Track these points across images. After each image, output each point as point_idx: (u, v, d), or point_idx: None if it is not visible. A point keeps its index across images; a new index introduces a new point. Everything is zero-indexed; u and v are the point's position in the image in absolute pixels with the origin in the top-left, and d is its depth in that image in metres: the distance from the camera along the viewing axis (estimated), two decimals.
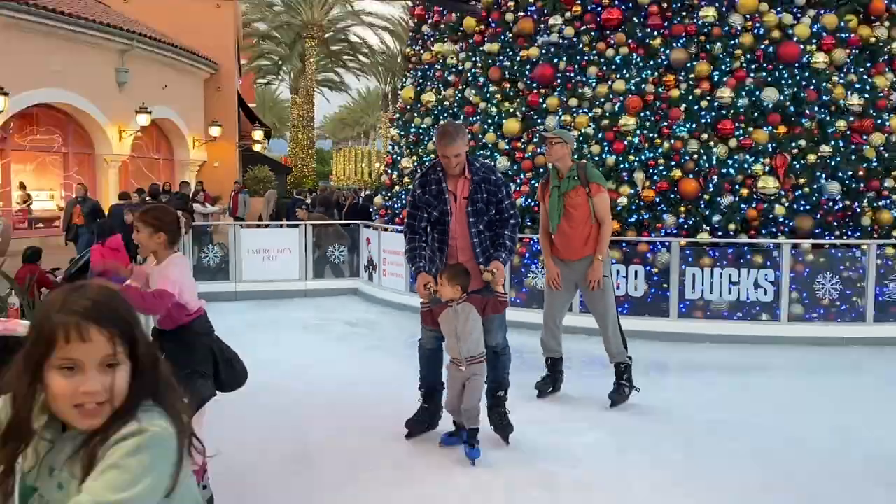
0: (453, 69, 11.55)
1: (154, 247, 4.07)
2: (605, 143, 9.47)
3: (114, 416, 1.40)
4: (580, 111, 9.84)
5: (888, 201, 8.91)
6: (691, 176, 9.03)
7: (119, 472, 1.35)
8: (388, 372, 6.90)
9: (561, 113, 9.95)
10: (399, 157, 12.20)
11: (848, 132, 9.07)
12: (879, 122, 9.17)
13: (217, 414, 4.02)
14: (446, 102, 11.40)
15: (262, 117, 39.72)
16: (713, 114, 9.22)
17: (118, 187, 19.28)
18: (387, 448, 4.91)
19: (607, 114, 9.60)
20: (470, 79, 11.14)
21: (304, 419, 5.51)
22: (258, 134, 29.20)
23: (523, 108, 10.33)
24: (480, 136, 10.58)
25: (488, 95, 10.77)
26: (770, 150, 9.01)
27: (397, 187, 11.93)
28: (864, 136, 9.09)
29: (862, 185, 8.92)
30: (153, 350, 1.51)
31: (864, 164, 8.94)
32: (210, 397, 3.89)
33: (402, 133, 12.34)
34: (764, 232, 8.82)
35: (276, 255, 11.62)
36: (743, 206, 8.85)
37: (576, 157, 9.38)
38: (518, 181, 9.96)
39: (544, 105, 10.12)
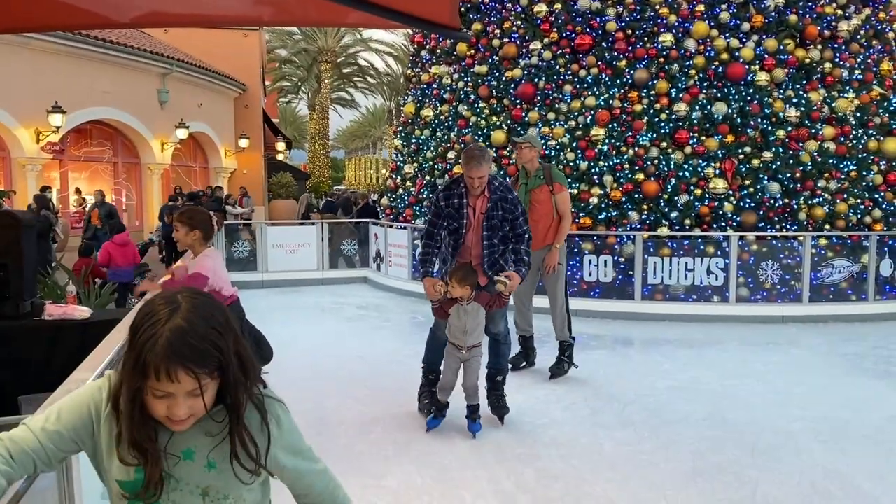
0: (448, 88, 11.48)
1: (190, 242, 4.07)
2: (579, 151, 9.46)
3: (231, 409, 1.42)
4: (557, 123, 9.80)
5: (821, 199, 8.89)
6: (652, 178, 9.02)
7: (297, 439, 1.57)
8: (393, 348, 6.90)
9: (540, 125, 9.92)
10: (402, 164, 12.15)
11: (786, 140, 9.04)
12: (813, 131, 9.14)
13: None
14: (442, 117, 11.35)
15: (284, 130, 39.47)
16: (671, 125, 9.19)
17: (161, 191, 19.22)
18: (392, 414, 4.91)
19: (580, 126, 9.58)
20: (462, 96, 11.08)
21: (321, 389, 5.50)
22: (281, 145, 29.10)
23: (508, 122, 10.29)
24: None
25: (478, 110, 10.72)
26: (720, 155, 8.98)
27: (400, 190, 11.90)
28: (801, 144, 9.06)
29: (799, 185, 8.90)
30: (243, 359, 1.41)
31: (801, 168, 8.91)
32: None
33: (405, 143, 12.28)
34: (715, 226, 8.80)
35: (297, 249, 11.60)
36: (697, 203, 8.84)
37: (552, 161, 9.45)
38: None
39: (526, 118, 10.08)
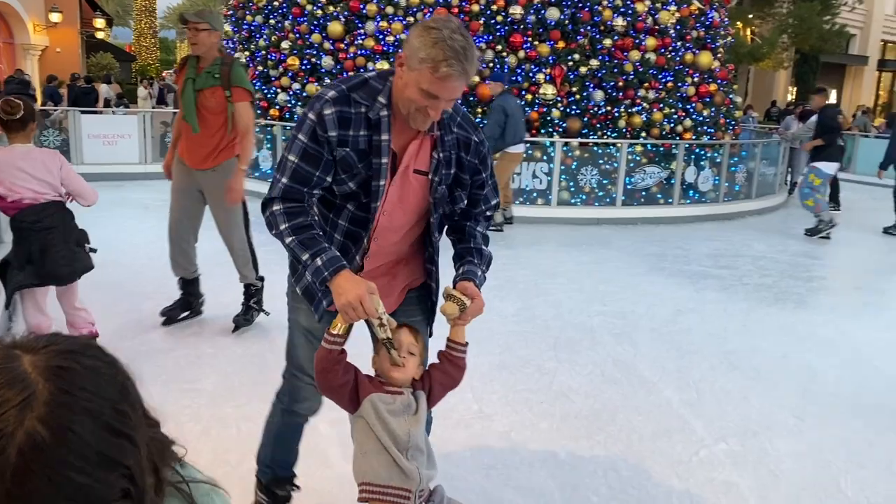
0: None
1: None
2: None
3: None
4: (396, 18, 9.61)
5: (640, 108, 9.45)
6: (487, 82, 9.14)
7: None
8: (218, 249, 6.72)
9: (379, 19, 9.68)
10: (233, 52, 11.48)
11: (612, 49, 9.44)
12: (637, 41, 9.59)
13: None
14: (276, 3, 10.76)
15: (105, 5, 35.76)
16: (506, 28, 9.29)
17: None
18: (213, 315, 4.84)
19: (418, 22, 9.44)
20: None
21: (140, 291, 5.30)
22: (100, 22, 26.39)
23: (346, 13, 9.94)
24: (307, 36, 10.14)
25: None
26: (550, 61, 9.24)
27: None
28: (625, 53, 9.50)
29: (621, 94, 9.39)
30: (158, 449, 0.87)
31: (624, 77, 9.39)
32: (19, 287, 3.60)
33: (235, 29, 11.57)
34: (543, 132, 9.15)
35: (115, 140, 10.79)
36: (527, 109, 9.11)
37: (379, 59, 9.26)
38: None
39: (364, 11, 9.79)
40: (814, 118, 10.77)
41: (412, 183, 2.03)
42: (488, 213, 2.25)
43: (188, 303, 4.75)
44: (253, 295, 4.72)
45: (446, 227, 2.24)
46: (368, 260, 2.13)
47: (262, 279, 4.75)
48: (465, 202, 2.16)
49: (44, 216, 3.61)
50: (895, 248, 8.52)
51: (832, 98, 31.31)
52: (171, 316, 4.64)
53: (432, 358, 2.13)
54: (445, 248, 2.20)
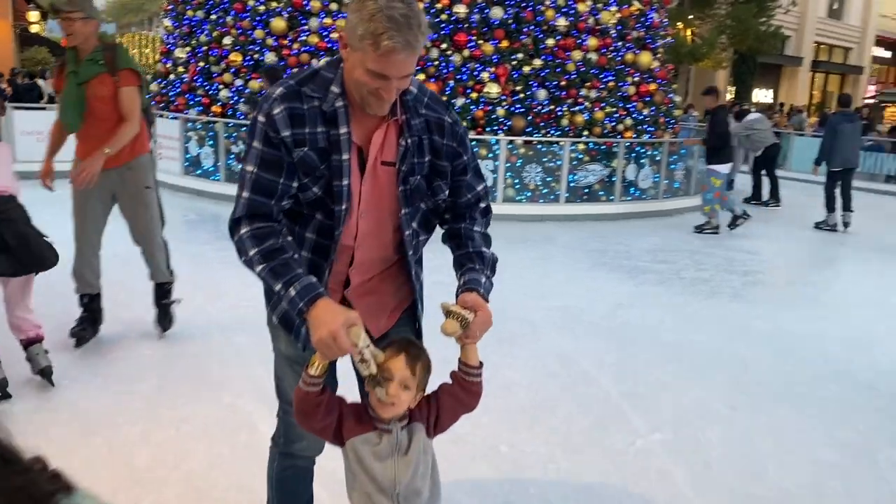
0: None
1: None
2: None
3: None
4: (340, 16, 9.55)
5: (582, 107, 9.61)
6: (433, 80, 9.17)
7: None
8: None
9: (323, 16, 9.62)
10: (173, 48, 11.25)
11: (555, 49, 9.57)
12: (580, 41, 9.74)
13: None
14: None
15: None
16: (451, 27, 9.33)
17: None
18: (153, 314, 4.74)
19: None
20: None
21: (72, 294, 5.15)
22: (34, 14, 25.46)
23: (289, 9, 9.85)
24: (250, 32, 10.01)
25: None
26: (494, 60, 9.32)
27: (172, 76, 11.08)
28: (567, 53, 9.63)
29: (564, 93, 9.53)
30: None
31: (566, 76, 9.53)
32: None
33: (176, 24, 11.34)
34: (488, 129, 9.23)
35: (48, 137, 10.44)
36: (473, 107, 9.17)
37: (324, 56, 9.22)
38: (285, 76, 9.61)
39: (308, 7, 9.72)
40: (751, 116, 11.15)
41: (381, 177, 1.79)
42: (482, 206, 1.98)
43: (95, 319, 4.36)
44: (167, 293, 4.46)
45: (443, 233, 1.97)
46: (354, 272, 1.88)
47: (173, 273, 4.50)
48: (447, 193, 1.90)
49: (8, 207, 3.46)
50: (826, 243, 8.86)
51: (769, 97, 32.32)
52: (81, 336, 4.23)
53: (444, 376, 1.83)
54: (440, 252, 2.21)
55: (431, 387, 1.82)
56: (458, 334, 1.74)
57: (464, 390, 1.82)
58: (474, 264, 1.89)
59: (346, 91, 1.72)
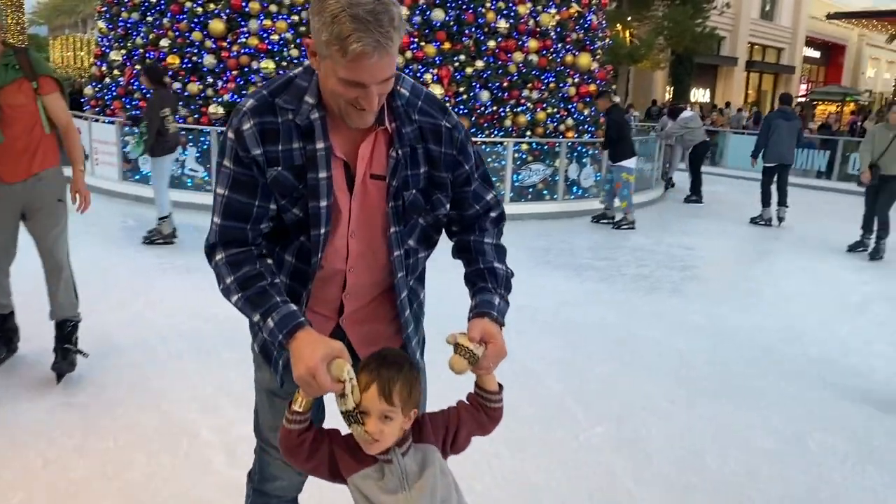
0: None
1: None
2: (303, 49, 9.27)
3: None
4: (280, 17, 9.46)
5: (524, 108, 9.72)
6: None
7: None
8: (98, 256, 6.44)
9: (262, 17, 9.50)
10: (108, 50, 10.97)
11: (497, 51, 9.66)
12: (521, 43, 9.86)
13: None
14: None
15: None
16: None
17: None
18: (101, 321, 4.59)
19: (304, 21, 9.34)
20: None
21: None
22: None
23: (227, 11, 9.70)
24: (188, 34, 9.82)
25: None
26: (437, 62, 9.36)
27: (107, 79, 10.80)
28: (509, 55, 9.74)
29: (506, 94, 9.62)
30: None
31: (508, 78, 9.63)
32: None
33: (111, 26, 11.06)
34: None
35: None
36: None
37: (275, 59, 9.13)
38: (224, 78, 9.47)
39: (247, 9, 9.59)
40: (685, 114, 11.44)
41: (372, 193, 1.59)
42: (494, 215, 1.80)
43: (10, 339, 4.03)
44: (71, 333, 3.88)
45: (452, 246, 1.82)
46: (347, 298, 1.69)
47: (78, 300, 3.95)
48: (448, 206, 1.71)
49: None
50: (761, 237, 9.16)
51: (706, 97, 33.22)
52: None
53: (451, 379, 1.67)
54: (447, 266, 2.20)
55: (440, 391, 1.76)
56: (467, 371, 1.57)
57: (486, 416, 1.68)
58: (487, 283, 1.72)
59: (322, 101, 1.52)
